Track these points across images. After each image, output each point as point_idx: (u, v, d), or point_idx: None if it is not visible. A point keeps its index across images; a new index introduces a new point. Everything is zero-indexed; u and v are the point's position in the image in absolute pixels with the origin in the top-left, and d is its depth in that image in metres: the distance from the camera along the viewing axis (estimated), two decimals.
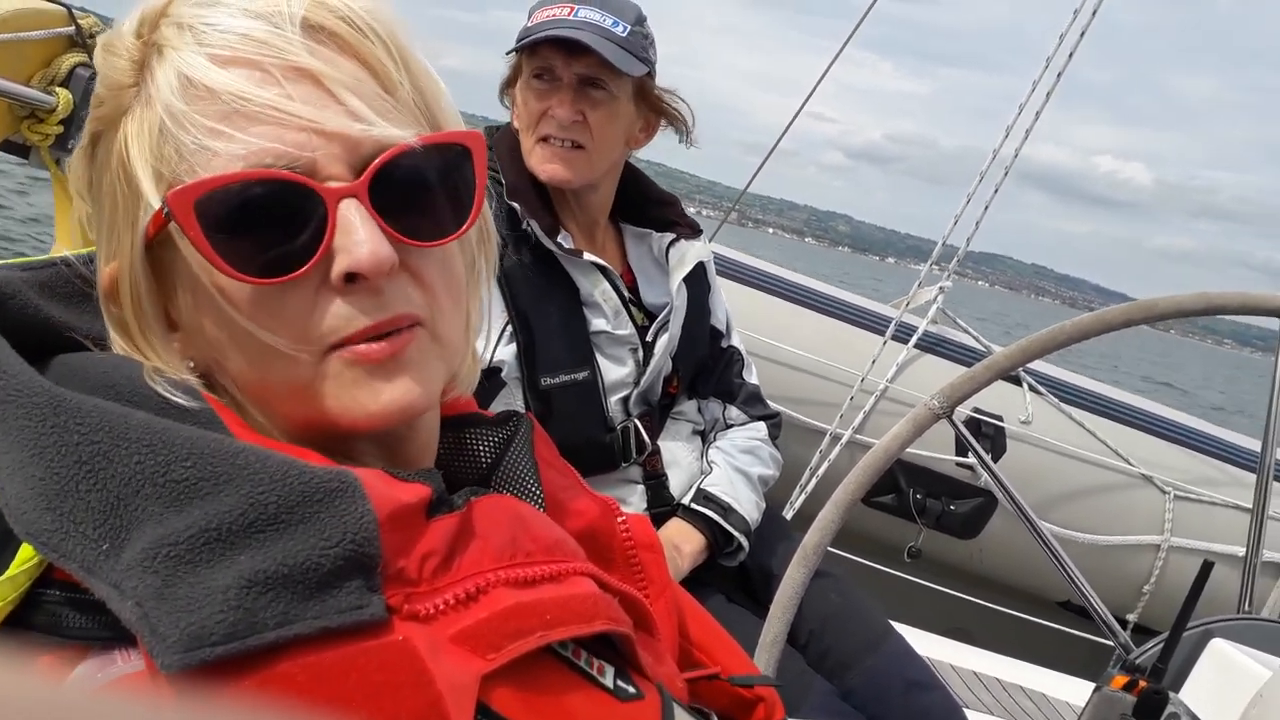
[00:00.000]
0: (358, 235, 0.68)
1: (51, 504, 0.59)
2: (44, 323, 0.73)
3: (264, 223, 0.68)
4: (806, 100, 4.42)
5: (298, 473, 0.62)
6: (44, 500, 0.59)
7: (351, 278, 0.69)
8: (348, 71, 0.71)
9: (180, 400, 0.68)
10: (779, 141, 4.54)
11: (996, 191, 3.82)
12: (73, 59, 2.18)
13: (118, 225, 0.72)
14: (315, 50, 0.70)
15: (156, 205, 0.68)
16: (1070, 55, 3.66)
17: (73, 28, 2.19)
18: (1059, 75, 3.68)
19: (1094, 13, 3.64)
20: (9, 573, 0.60)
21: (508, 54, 1.97)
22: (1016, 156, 3.79)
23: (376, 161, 0.70)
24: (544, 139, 1.91)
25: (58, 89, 2.14)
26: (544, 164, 1.92)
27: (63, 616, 0.60)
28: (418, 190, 0.73)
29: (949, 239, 3.94)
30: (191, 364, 0.74)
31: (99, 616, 0.59)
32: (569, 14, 1.88)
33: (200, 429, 0.65)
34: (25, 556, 0.60)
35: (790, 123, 4.47)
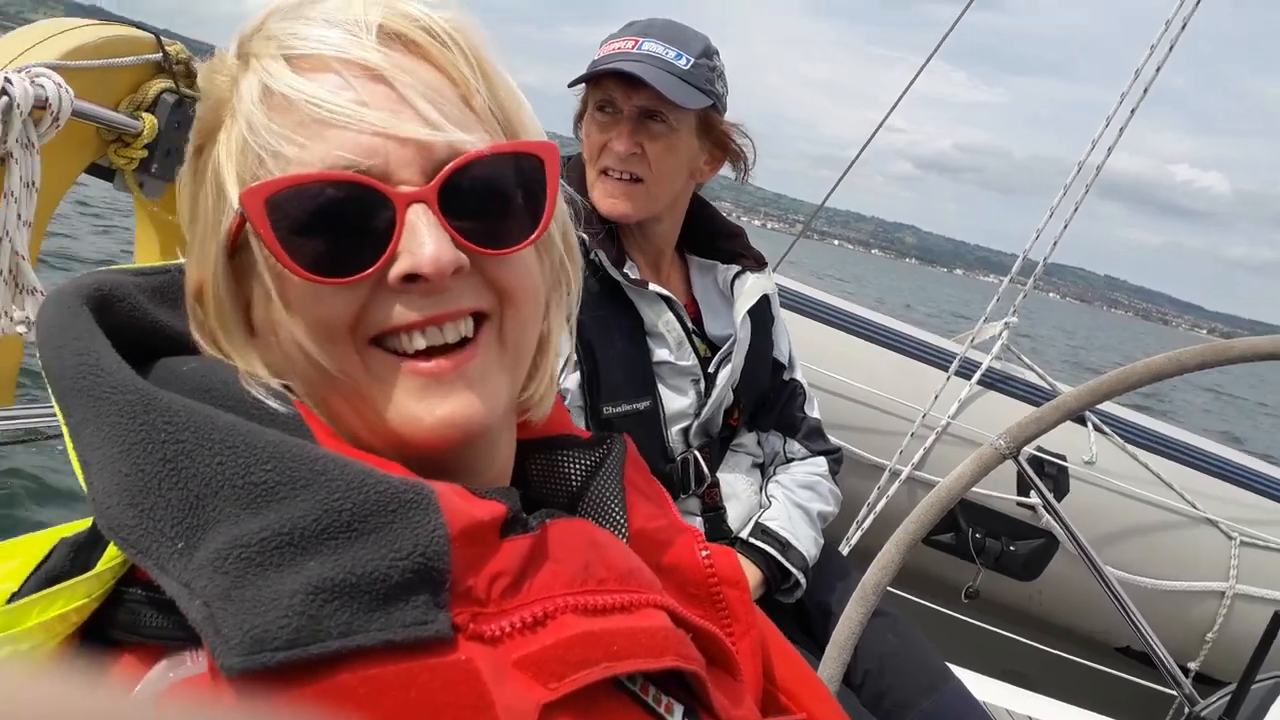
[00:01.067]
0: (422, 238, 0.69)
1: (134, 500, 0.60)
2: (152, 326, 0.75)
3: (333, 223, 0.69)
4: (887, 116, 4.35)
5: (374, 481, 0.62)
6: (128, 496, 0.60)
7: (411, 278, 0.70)
8: (423, 78, 0.72)
9: (271, 405, 0.70)
10: (857, 158, 4.49)
11: (1078, 207, 3.76)
12: (159, 84, 2.25)
13: (207, 232, 0.75)
14: (390, 56, 0.71)
15: (237, 207, 0.71)
16: (1158, 69, 3.60)
17: (160, 54, 2.26)
18: (1146, 88, 3.61)
19: (1184, 25, 3.58)
20: (96, 569, 0.62)
21: (571, 85, 2.00)
22: (1100, 169, 3.72)
23: (448, 168, 0.71)
24: (604, 172, 1.94)
25: (144, 114, 2.21)
26: (604, 198, 1.94)
27: (142, 615, 0.61)
28: (488, 197, 0.73)
29: (1030, 253, 3.87)
30: (268, 371, 0.75)
31: (175, 617, 0.59)
32: (633, 46, 1.91)
33: (285, 434, 0.65)
34: (113, 554, 0.62)
35: (869, 139, 4.41)
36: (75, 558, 0.65)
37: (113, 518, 0.60)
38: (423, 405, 0.72)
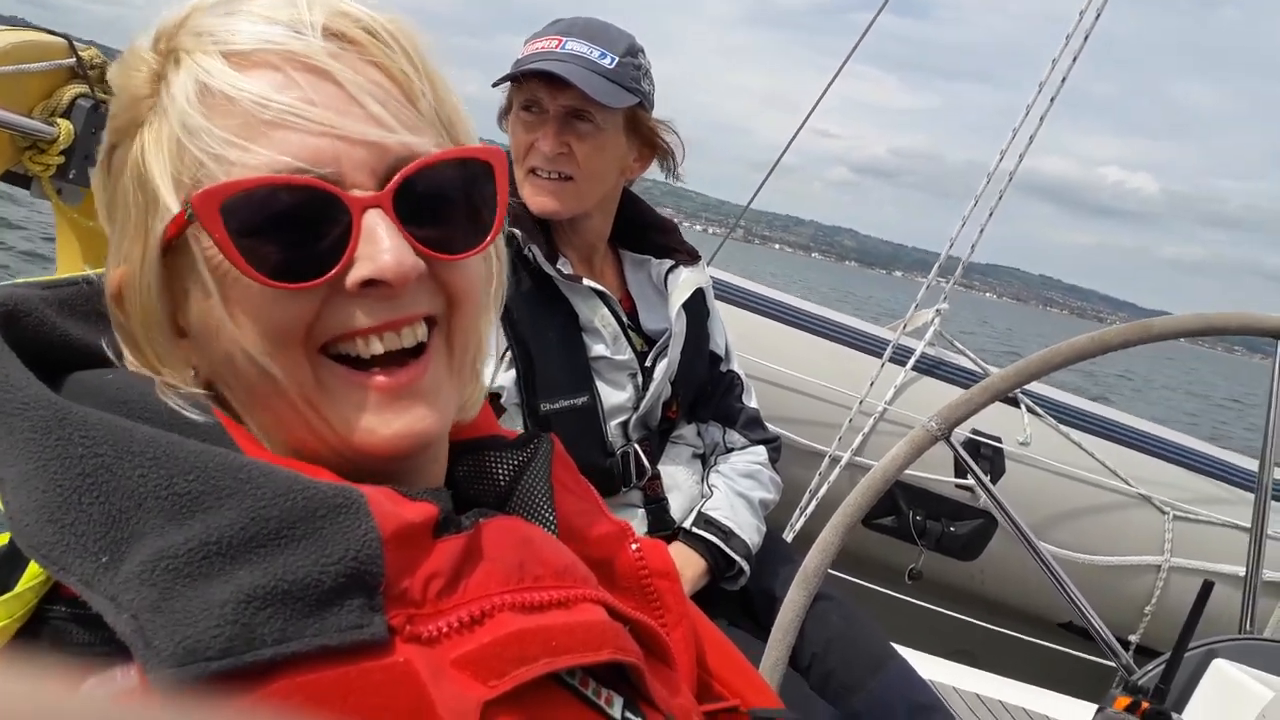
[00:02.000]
0: (383, 244, 0.69)
1: (53, 516, 0.58)
2: (61, 340, 0.73)
3: (289, 228, 0.68)
4: (807, 118, 4.44)
5: (301, 488, 0.62)
6: (46, 513, 0.58)
7: (370, 283, 0.69)
8: (370, 78, 0.71)
9: (191, 415, 0.68)
10: (780, 158, 4.56)
11: (998, 202, 3.83)
12: (74, 90, 2.19)
13: (129, 232, 0.73)
14: (337, 55, 0.70)
15: (175, 209, 0.68)
16: (1064, 76, 3.68)
17: (73, 59, 2.21)
18: (1056, 90, 3.70)
19: (1086, 35, 3.66)
20: (16, 589, 0.60)
21: (495, 85, 1.99)
22: (1016, 169, 3.80)
23: (402, 172, 0.70)
24: (532, 170, 1.93)
25: (59, 120, 2.16)
26: (533, 196, 1.93)
27: (68, 632, 0.60)
28: (441, 202, 0.73)
29: (952, 251, 3.94)
30: (194, 373, 0.74)
31: (101, 632, 0.58)
32: (557, 46, 1.90)
33: (208, 444, 0.64)
34: (33, 573, 0.60)
35: (791, 139, 4.49)
36: None
37: (31, 535, 0.58)
38: (379, 419, 0.71)
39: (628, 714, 0.71)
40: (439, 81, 0.76)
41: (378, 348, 0.72)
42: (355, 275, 0.69)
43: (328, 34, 0.70)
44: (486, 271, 0.82)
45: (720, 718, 0.91)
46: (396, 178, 0.70)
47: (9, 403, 0.63)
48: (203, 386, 0.74)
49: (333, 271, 0.69)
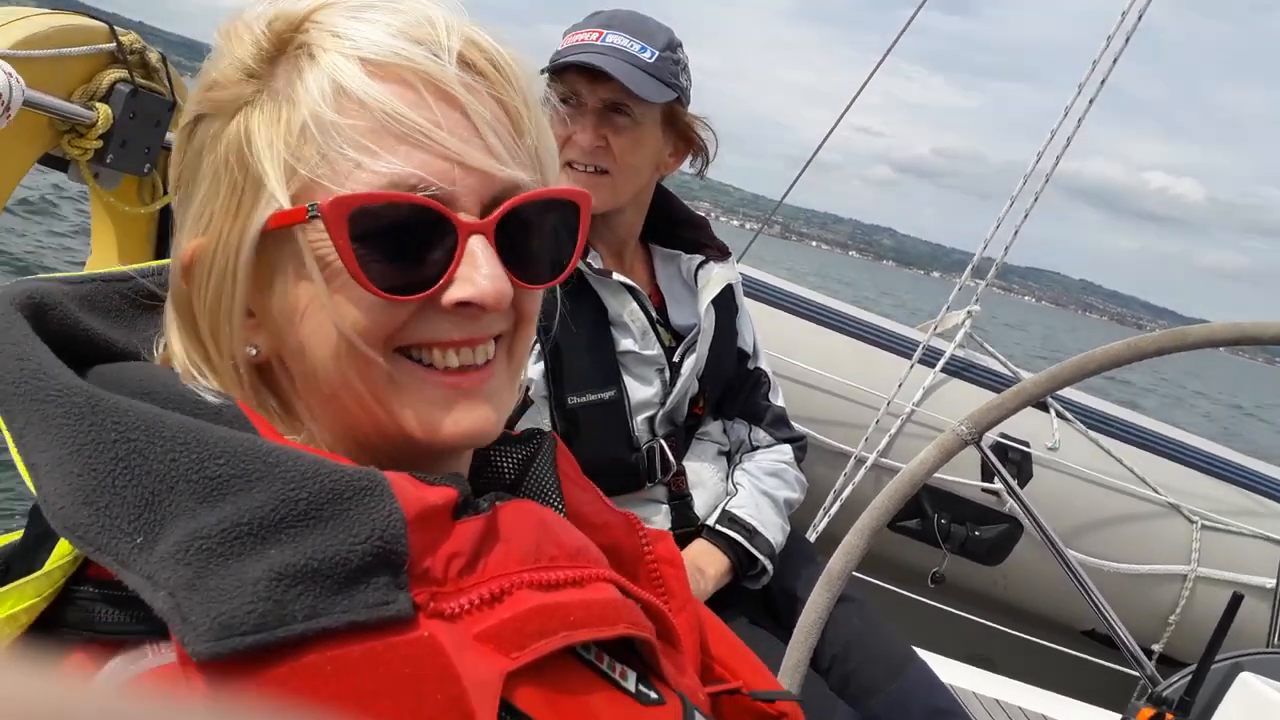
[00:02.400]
0: (483, 270, 0.73)
1: (89, 499, 0.60)
2: (84, 334, 0.75)
3: (401, 241, 0.72)
4: (846, 110, 4.40)
5: (329, 471, 0.64)
6: (81, 495, 0.60)
7: (464, 304, 0.73)
8: (491, 110, 0.74)
9: (214, 403, 0.71)
10: (816, 152, 4.53)
11: (1034, 203, 3.79)
12: (113, 74, 2.21)
13: (215, 206, 0.74)
14: (468, 85, 0.73)
15: (285, 202, 0.71)
16: (1106, 73, 3.64)
17: (114, 44, 2.22)
18: (1098, 87, 3.66)
19: (1133, 28, 3.62)
20: (44, 569, 0.62)
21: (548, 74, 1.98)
22: (1053, 170, 3.77)
23: (507, 204, 0.74)
24: (569, 164, 1.92)
25: (98, 104, 2.17)
26: (583, 189, 1.92)
27: (95, 612, 0.62)
28: (533, 236, 0.78)
29: (987, 252, 3.92)
30: (254, 350, 0.76)
31: (132, 611, 0.61)
32: (597, 39, 1.89)
33: (234, 430, 0.67)
34: (61, 554, 0.62)
35: (829, 133, 4.45)
36: (8, 569, 0.67)
37: (67, 517, 0.60)
38: (448, 416, 0.75)
39: (641, 687, 0.74)
40: (541, 120, 0.80)
41: (453, 361, 0.76)
42: (453, 295, 0.73)
43: (460, 62, 0.73)
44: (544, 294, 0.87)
45: (724, 700, 0.94)
46: (501, 209, 0.74)
47: (43, 390, 0.64)
48: (254, 367, 0.77)
49: (434, 289, 0.73)
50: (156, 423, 0.63)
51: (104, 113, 2.13)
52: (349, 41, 0.72)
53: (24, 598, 0.61)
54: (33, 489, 0.62)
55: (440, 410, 0.75)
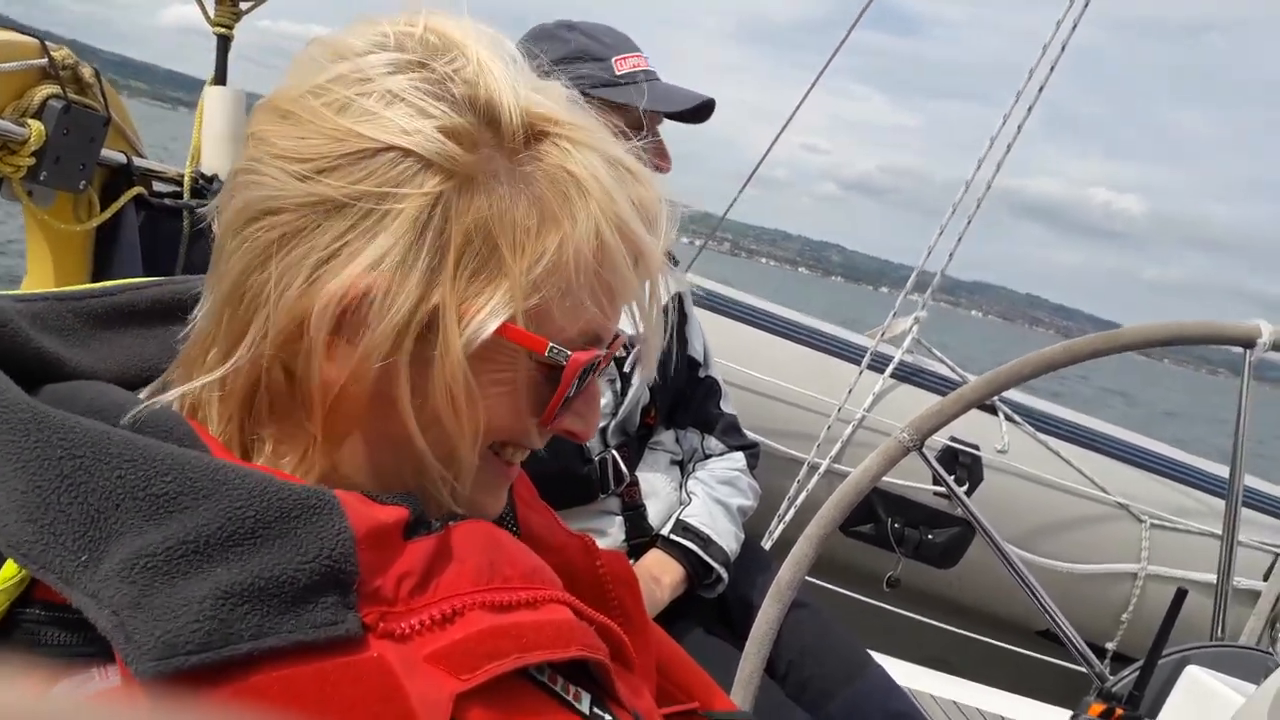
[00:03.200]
0: (595, 410, 0.81)
1: (33, 516, 0.59)
2: (34, 352, 0.74)
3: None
4: (785, 126, 4.43)
5: (276, 489, 0.63)
6: (25, 513, 0.59)
7: (566, 432, 0.80)
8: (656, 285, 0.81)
9: (164, 423, 0.69)
10: (757, 167, 4.56)
11: (976, 211, 3.85)
12: (45, 90, 2.17)
13: (409, 265, 0.69)
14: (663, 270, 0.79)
15: (519, 316, 0.71)
16: (1044, 80, 3.71)
17: (45, 59, 2.18)
18: (1037, 95, 3.73)
19: (1067, 38, 3.69)
20: None
21: (673, 117, 1.94)
22: (995, 177, 3.82)
23: (609, 352, 0.79)
24: None
25: (30, 120, 2.13)
26: None
27: (41, 634, 0.61)
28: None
29: (928, 267, 3.96)
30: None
31: (78, 633, 0.60)
32: (647, 64, 1.91)
33: (183, 448, 0.65)
34: (6, 575, 0.61)
35: (768, 150, 4.48)
36: None
37: (11, 534, 0.59)
38: (493, 499, 0.81)
39: (595, 710, 0.73)
40: None
41: (518, 459, 0.82)
42: (566, 424, 0.80)
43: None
44: None
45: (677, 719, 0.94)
46: (614, 345, 0.80)
47: None
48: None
49: (560, 415, 0.78)
50: (103, 439, 0.62)
51: (36, 129, 2.08)
52: (607, 196, 0.73)
53: None
54: None
55: (491, 495, 0.80)
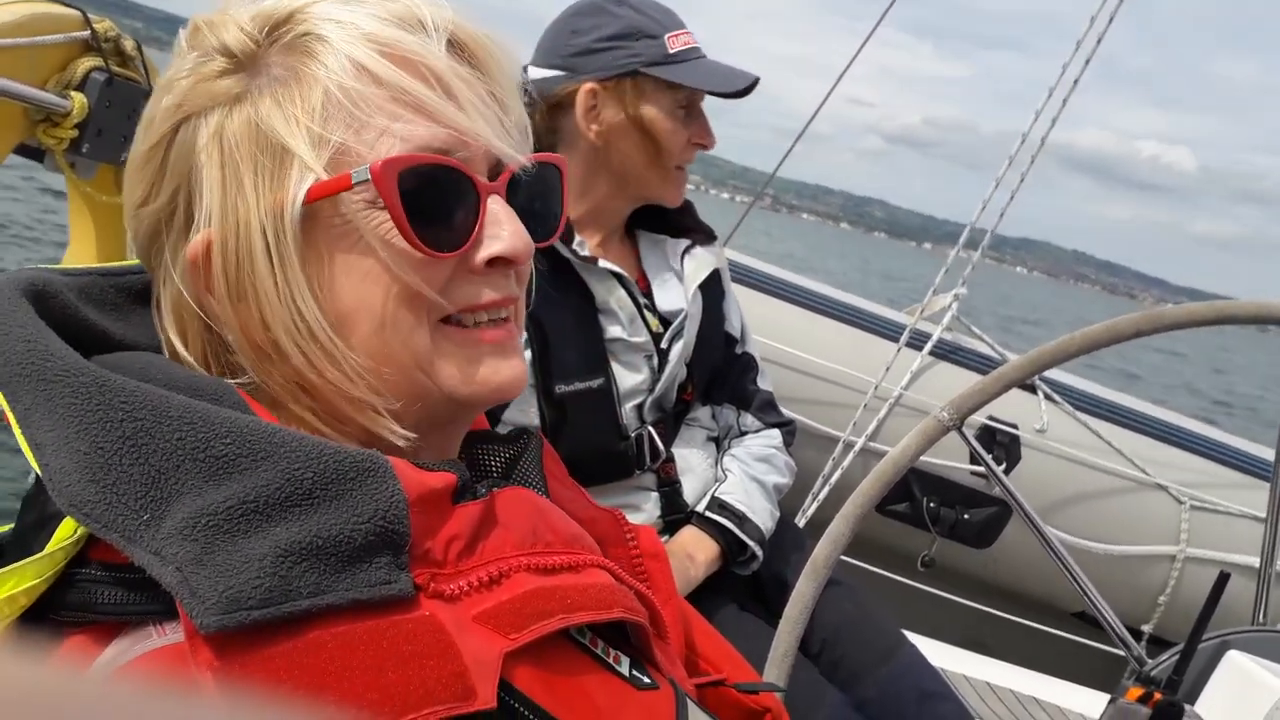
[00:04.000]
0: (508, 226, 0.78)
1: (95, 476, 0.61)
2: (84, 323, 0.76)
3: (436, 202, 0.75)
4: (837, 82, 4.34)
5: (332, 452, 0.66)
6: (88, 473, 0.62)
7: (493, 262, 0.78)
8: (478, 89, 0.78)
9: (214, 389, 0.72)
10: (808, 124, 4.48)
11: (1029, 168, 3.78)
12: (88, 63, 2.19)
13: (236, 194, 0.75)
14: (456, 69, 0.77)
15: (321, 172, 0.73)
16: (1099, 40, 3.63)
17: (88, 32, 2.20)
18: (1093, 49, 3.64)
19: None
20: (47, 549, 0.63)
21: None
22: (1048, 134, 3.75)
23: (508, 171, 0.80)
24: (679, 166, 1.96)
25: (73, 93, 2.15)
26: (676, 189, 2.01)
27: (97, 593, 0.63)
28: (530, 198, 0.84)
29: (978, 224, 3.90)
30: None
31: (135, 592, 0.62)
32: (694, 43, 1.92)
33: (237, 412, 0.68)
34: (63, 535, 0.63)
35: (821, 105, 4.40)
36: (1, 555, 0.68)
37: (74, 495, 0.61)
38: (491, 369, 0.79)
39: (634, 672, 0.76)
40: (519, 99, 0.85)
41: (485, 320, 0.81)
42: (487, 252, 0.78)
43: (449, 42, 0.78)
44: None
45: (708, 693, 0.96)
46: (505, 173, 0.80)
47: (50, 370, 0.66)
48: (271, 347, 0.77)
49: (467, 246, 0.77)
50: (163, 403, 0.65)
51: (79, 101, 2.10)
52: (352, 26, 0.75)
53: (24, 579, 0.62)
54: (37, 468, 0.63)
55: (481, 366, 0.79)
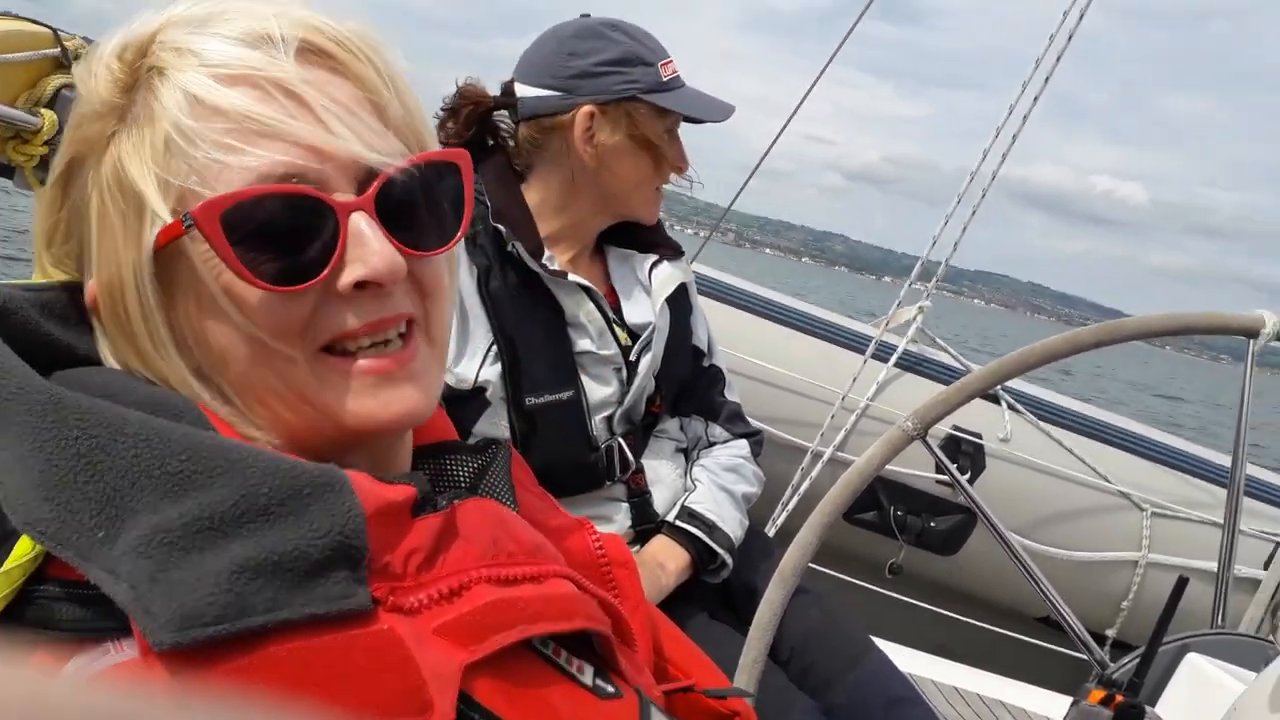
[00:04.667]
0: (371, 246, 0.73)
1: (50, 494, 0.61)
2: (45, 339, 0.76)
3: (281, 233, 0.72)
4: (791, 117, 4.43)
5: (289, 467, 0.65)
6: (43, 491, 0.61)
7: (361, 285, 0.74)
8: (341, 93, 0.75)
9: (174, 404, 0.72)
10: (762, 159, 4.55)
11: (981, 201, 3.86)
12: (58, 80, 2.18)
13: (110, 241, 0.75)
14: (307, 75, 0.74)
15: (167, 217, 0.72)
16: (1051, 70, 3.71)
17: (58, 49, 2.19)
18: (1043, 84, 3.74)
19: (1075, 27, 3.69)
20: (4, 567, 0.62)
21: (626, 101, 1.96)
22: (1000, 166, 3.83)
23: (379, 180, 0.75)
24: (657, 187, 2.03)
25: (43, 110, 2.14)
26: (658, 207, 2.08)
27: (56, 610, 0.62)
28: (414, 204, 0.78)
29: (932, 256, 3.97)
30: (190, 373, 0.77)
31: (93, 609, 0.61)
32: (678, 71, 1.99)
33: (194, 428, 0.68)
34: (21, 553, 0.62)
35: (774, 141, 4.48)
36: None
37: (28, 513, 0.60)
38: (377, 402, 0.76)
39: (598, 681, 0.75)
40: (404, 89, 0.81)
41: (366, 342, 0.76)
42: (348, 277, 0.74)
43: (300, 53, 0.74)
44: (448, 265, 0.87)
45: (677, 699, 0.95)
46: (375, 184, 0.75)
47: (4, 389, 0.65)
48: (196, 379, 0.76)
49: (325, 273, 0.73)
50: (119, 420, 0.64)
51: (49, 119, 2.10)
52: (192, 56, 0.73)
53: None
54: None
55: (368, 398, 0.76)
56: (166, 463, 0.63)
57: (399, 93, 0.80)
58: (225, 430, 0.72)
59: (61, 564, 0.62)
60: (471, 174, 0.83)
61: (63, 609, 0.62)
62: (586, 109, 1.92)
